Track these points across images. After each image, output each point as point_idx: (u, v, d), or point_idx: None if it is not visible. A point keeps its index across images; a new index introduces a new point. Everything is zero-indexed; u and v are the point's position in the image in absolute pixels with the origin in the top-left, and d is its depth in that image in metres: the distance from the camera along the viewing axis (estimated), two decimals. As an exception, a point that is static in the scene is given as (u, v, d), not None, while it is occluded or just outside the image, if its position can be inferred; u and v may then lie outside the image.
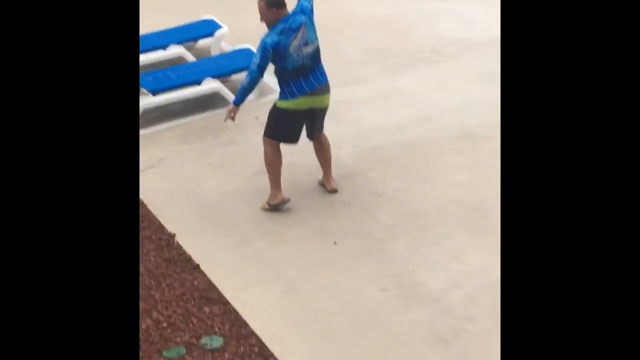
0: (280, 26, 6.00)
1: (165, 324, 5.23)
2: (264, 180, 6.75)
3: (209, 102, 8.20)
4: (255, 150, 7.24)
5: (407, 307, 5.27)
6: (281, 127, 6.25)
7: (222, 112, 7.97)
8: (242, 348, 5.01)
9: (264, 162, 6.33)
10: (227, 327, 5.18)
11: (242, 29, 9.79)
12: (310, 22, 6.07)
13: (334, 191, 6.43)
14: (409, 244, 5.86)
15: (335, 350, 4.99)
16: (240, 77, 8.42)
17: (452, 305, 5.25)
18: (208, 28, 9.36)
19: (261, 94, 8.22)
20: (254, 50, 8.42)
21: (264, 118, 7.69)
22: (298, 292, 5.48)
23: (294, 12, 6.07)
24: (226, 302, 5.40)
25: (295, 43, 5.98)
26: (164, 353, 5.00)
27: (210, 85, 8.05)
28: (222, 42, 9.27)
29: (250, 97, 8.12)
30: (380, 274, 5.58)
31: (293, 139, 6.32)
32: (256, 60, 6.06)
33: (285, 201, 6.29)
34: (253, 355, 4.95)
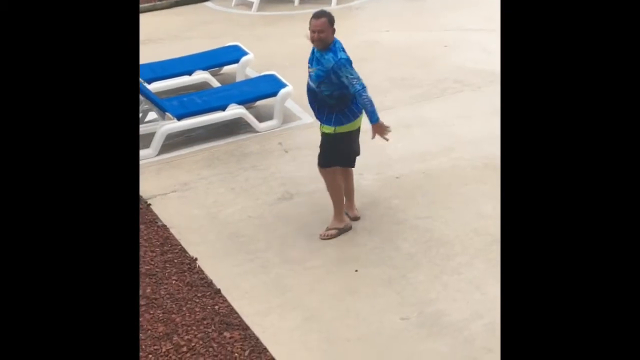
0: (340, 45, 6.01)
1: (185, 349, 5.23)
2: (287, 206, 6.79)
3: (233, 127, 8.25)
4: (278, 176, 7.28)
5: (428, 336, 5.25)
6: (342, 152, 6.21)
7: (245, 138, 8.06)
8: (261, 374, 5.00)
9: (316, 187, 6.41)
10: (247, 353, 5.18)
11: (267, 55, 9.89)
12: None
13: (356, 219, 6.44)
14: (430, 272, 5.85)
15: (355, 378, 4.98)
16: (265, 103, 8.51)
17: (473, 336, 5.22)
18: (233, 54, 9.45)
19: (285, 121, 8.27)
20: (279, 76, 8.55)
21: (287, 145, 7.77)
22: (319, 319, 5.47)
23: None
24: (246, 328, 5.40)
25: None
26: (184, 377, 5.00)
27: (234, 111, 8.11)
28: (247, 69, 9.35)
29: (274, 123, 8.22)
30: (401, 302, 5.57)
31: (353, 159, 6.36)
32: (353, 76, 5.87)
33: (349, 226, 6.36)
34: (272, 382, 4.94)
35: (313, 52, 6.10)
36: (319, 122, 6.19)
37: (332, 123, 6.06)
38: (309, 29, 5.97)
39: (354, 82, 5.86)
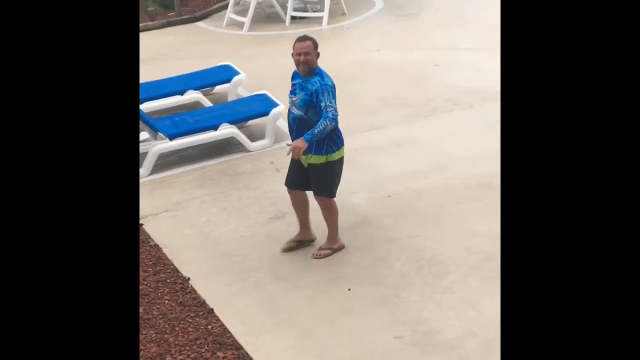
0: (324, 72, 5.96)
1: (178, 368, 5.22)
2: (279, 225, 6.78)
3: (225, 147, 8.26)
4: (270, 195, 7.28)
5: (422, 354, 5.24)
6: (337, 178, 6.17)
7: (237, 157, 8.06)
8: (255, 394, 4.98)
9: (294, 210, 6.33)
10: (240, 372, 5.16)
11: (259, 75, 9.91)
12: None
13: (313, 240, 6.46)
14: (423, 291, 5.85)
15: (349, 397, 4.96)
16: (257, 122, 8.52)
17: (467, 354, 5.22)
18: (225, 74, 9.47)
19: (277, 140, 8.28)
20: (270, 96, 8.57)
21: (279, 164, 7.77)
22: (312, 338, 5.46)
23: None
24: (239, 347, 5.38)
25: None
26: (177, 397, 4.98)
27: (226, 130, 8.11)
28: (238, 88, 9.36)
29: (266, 142, 8.24)
30: (394, 321, 5.56)
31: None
32: (332, 105, 5.81)
33: (342, 246, 6.35)
34: (266, 401, 4.92)
35: (295, 81, 6.03)
36: (306, 154, 5.93)
37: (322, 152, 5.97)
38: (294, 52, 5.90)
39: (330, 110, 5.80)
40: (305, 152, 5.91)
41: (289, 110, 6.06)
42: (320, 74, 5.91)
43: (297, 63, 5.90)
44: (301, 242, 6.39)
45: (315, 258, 6.25)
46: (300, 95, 5.90)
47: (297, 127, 5.99)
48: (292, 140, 6.01)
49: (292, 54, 5.92)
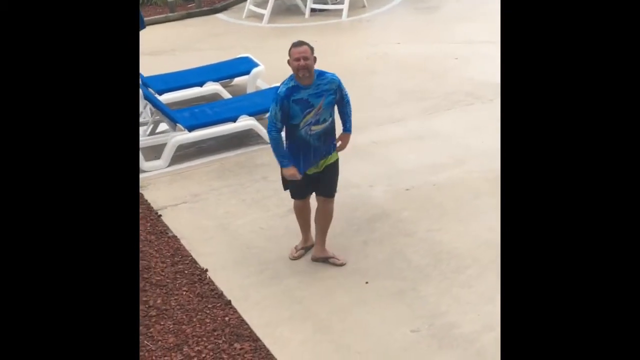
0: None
1: (195, 359, 5.23)
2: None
3: (243, 139, 8.26)
4: (288, 187, 7.27)
5: (439, 349, 5.23)
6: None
7: (256, 149, 8.07)
8: (272, 385, 4.99)
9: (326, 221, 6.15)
10: (257, 364, 5.17)
11: (278, 67, 9.90)
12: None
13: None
14: (441, 285, 5.83)
15: (366, 390, 4.96)
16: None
17: (485, 348, 5.20)
18: (244, 66, 9.47)
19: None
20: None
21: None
22: (329, 331, 5.46)
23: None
24: (257, 339, 5.39)
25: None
26: (194, 388, 5.00)
27: (245, 122, 8.12)
28: (258, 80, 9.36)
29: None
30: (412, 314, 5.55)
31: None
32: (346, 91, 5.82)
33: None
34: (283, 393, 4.93)
35: (298, 96, 5.61)
36: (324, 158, 5.87)
37: (334, 148, 5.94)
38: (291, 58, 5.60)
39: (347, 94, 5.86)
40: (329, 154, 5.87)
41: (306, 134, 5.70)
42: (322, 72, 5.73)
43: (297, 68, 5.55)
44: (308, 248, 6.31)
45: (339, 265, 6.16)
46: (321, 102, 5.64)
47: (323, 141, 5.79)
48: (309, 163, 5.82)
49: (289, 61, 5.62)
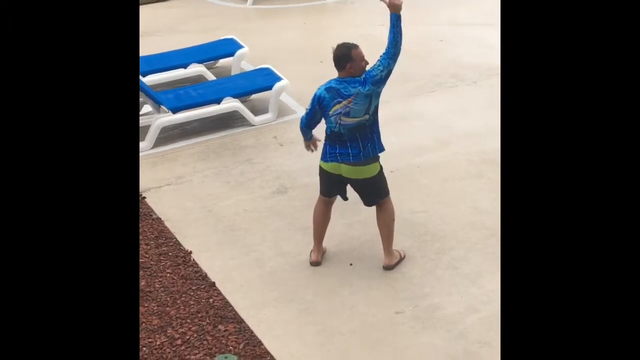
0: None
1: (179, 341, 5.22)
2: (282, 199, 6.78)
3: (228, 120, 8.23)
4: (272, 169, 7.26)
5: (423, 330, 5.25)
6: None
7: (240, 131, 8.04)
8: (256, 367, 5.00)
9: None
10: (241, 346, 5.17)
11: (262, 49, 9.86)
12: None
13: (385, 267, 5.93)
14: (425, 266, 5.85)
15: (350, 371, 4.97)
16: (260, 96, 8.48)
17: (468, 330, 5.22)
18: (229, 47, 9.41)
19: (280, 114, 8.26)
20: (274, 70, 8.53)
21: (282, 138, 7.76)
22: (314, 313, 5.47)
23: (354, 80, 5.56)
24: (241, 321, 5.39)
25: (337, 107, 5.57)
26: (178, 370, 5.00)
27: (230, 104, 8.08)
28: (242, 62, 9.32)
29: (269, 116, 8.21)
30: (396, 296, 5.56)
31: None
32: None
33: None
34: (267, 375, 4.94)
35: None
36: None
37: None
38: (360, 59, 5.59)
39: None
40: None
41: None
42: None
43: (363, 69, 5.57)
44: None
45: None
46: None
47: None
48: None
49: (358, 61, 5.56)
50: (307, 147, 6.08)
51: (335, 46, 5.60)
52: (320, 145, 5.94)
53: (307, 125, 5.88)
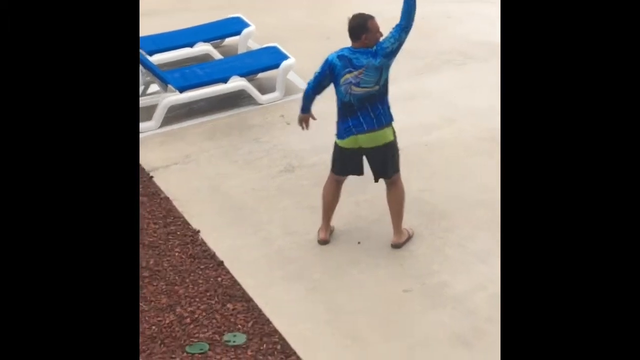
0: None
1: (188, 320, 5.24)
2: (289, 178, 6.78)
3: (235, 99, 8.23)
4: (280, 148, 7.26)
5: (431, 308, 5.26)
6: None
7: (247, 110, 8.03)
8: (264, 345, 5.01)
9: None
10: (250, 324, 5.18)
11: (269, 27, 9.84)
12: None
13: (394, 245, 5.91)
14: (433, 244, 5.85)
15: (358, 349, 4.98)
16: (267, 75, 8.47)
17: (476, 307, 5.23)
18: (235, 26, 9.40)
19: (287, 93, 8.24)
20: (281, 48, 8.51)
21: (289, 117, 7.74)
22: (322, 291, 5.48)
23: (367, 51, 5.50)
24: (249, 300, 5.40)
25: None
26: (187, 349, 5.01)
27: (236, 83, 8.08)
28: (249, 41, 9.30)
29: (276, 95, 8.20)
30: (404, 274, 5.57)
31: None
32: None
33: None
34: (275, 353, 4.95)
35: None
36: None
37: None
38: (375, 30, 5.54)
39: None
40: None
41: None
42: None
43: (377, 41, 5.52)
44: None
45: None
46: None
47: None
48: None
49: (373, 32, 5.52)
50: (301, 122, 5.92)
51: (350, 16, 5.56)
52: (313, 124, 5.92)
53: (314, 88, 5.75)
